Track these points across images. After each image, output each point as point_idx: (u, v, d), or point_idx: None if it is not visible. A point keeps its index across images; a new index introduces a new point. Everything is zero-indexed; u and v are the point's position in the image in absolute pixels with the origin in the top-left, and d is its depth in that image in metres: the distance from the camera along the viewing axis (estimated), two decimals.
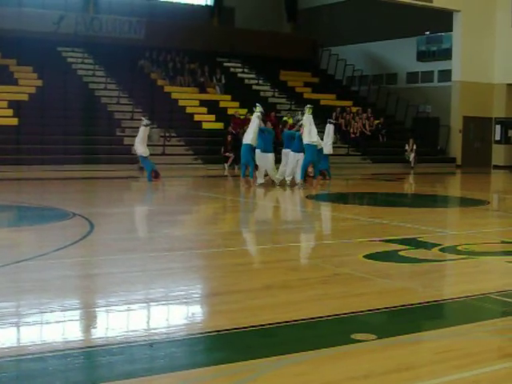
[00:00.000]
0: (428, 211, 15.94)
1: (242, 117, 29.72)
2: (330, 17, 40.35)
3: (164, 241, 10.59)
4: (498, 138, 34.93)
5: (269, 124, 21.15)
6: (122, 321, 6.22)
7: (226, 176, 25.01)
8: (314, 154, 19.25)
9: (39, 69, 29.87)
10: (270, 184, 19.91)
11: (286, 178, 19.61)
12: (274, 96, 35.12)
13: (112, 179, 21.42)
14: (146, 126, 20.90)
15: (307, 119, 19.66)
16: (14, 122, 26.26)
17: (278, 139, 25.18)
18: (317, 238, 11.46)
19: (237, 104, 31.87)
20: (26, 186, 20.19)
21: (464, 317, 6.53)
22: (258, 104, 20.31)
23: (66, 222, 12.42)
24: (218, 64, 35.50)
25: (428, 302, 6.84)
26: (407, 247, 9.98)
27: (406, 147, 31.71)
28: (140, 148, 20.74)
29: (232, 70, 36.73)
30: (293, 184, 19.42)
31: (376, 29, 37.94)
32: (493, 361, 5.18)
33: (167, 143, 27.60)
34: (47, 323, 6.03)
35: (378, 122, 33.77)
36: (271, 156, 19.77)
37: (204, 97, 32.37)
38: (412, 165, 31.09)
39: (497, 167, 33.82)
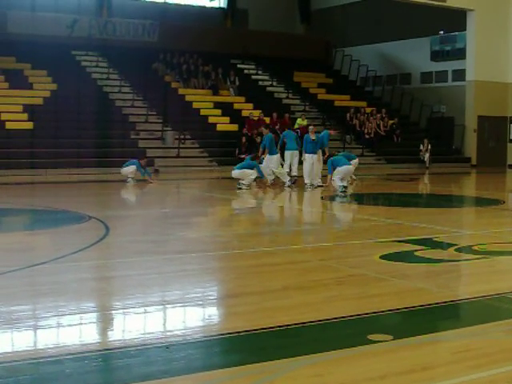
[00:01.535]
0: (443, 211, 15.89)
1: (255, 118, 29.75)
2: (343, 17, 40.32)
3: (179, 243, 10.62)
4: None
5: (265, 131, 21.56)
6: (139, 323, 6.24)
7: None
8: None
9: (53, 73, 29.99)
10: (282, 184, 19.93)
11: (305, 181, 19.72)
12: (287, 97, 35.12)
13: (127, 182, 21.44)
14: None
15: None
16: (29, 125, 26.39)
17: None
18: (332, 239, 11.45)
19: (251, 106, 31.89)
20: (41, 190, 20.27)
21: (480, 317, 6.51)
22: None
23: (81, 225, 12.47)
24: (231, 66, 35.53)
25: (444, 302, 6.83)
26: (423, 247, 9.96)
27: (421, 147, 31.63)
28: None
29: (246, 71, 36.75)
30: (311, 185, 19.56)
31: (389, 29, 37.86)
32: (510, 361, 5.16)
33: (182, 145, 27.65)
34: (64, 326, 6.06)
35: (392, 122, 33.69)
36: (275, 157, 20.52)
37: (218, 99, 32.39)
38: (427, 165, 31.00)
39: None
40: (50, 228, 12.45)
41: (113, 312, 6.63)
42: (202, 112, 30.89)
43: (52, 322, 6.12)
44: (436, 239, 10.80)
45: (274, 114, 30.07)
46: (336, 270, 8.41)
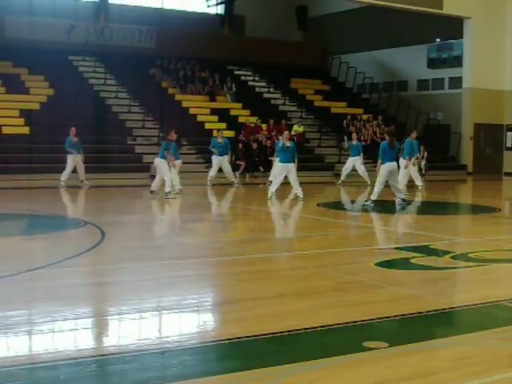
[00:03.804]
0: (439, 218, 15.90)
1: (252, 125, 29.77)
2: (340, 24, 40.35)
3: (175, 249, 10.61)
4: (509, 144, 34.79)
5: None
6: (134, 329, 6.23)
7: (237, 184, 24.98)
8: None
9: (50, 78, 29.99)
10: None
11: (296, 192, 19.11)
12: (284, 104, 35.14)
13: (123, 187, 21.45)
14: None
15: None
16: (26, 130, 26.38)
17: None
18: (328, 246, 11.44)
19: (248, 112, 31.91)
20: (38, 195, 20.24)
21: (476, 324, 6.51)
22: None
23: (77, 230, 12.47)
24: (228, 72, 35.55)
25: (440, 310, 6.83)
26: (419, 255, 9.96)
27: (417, 154, 31.61)
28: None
29: (243, 78, 36.78)
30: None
31: (386, 36, 37.91)
32: (506, 368, 5.16)
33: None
34: (60, 331, 6.05)
35: (388, 129, 33.67)
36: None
37: (215, 105, 32.41)
38: (423, 172, 30.90)
39: (508, 174, 33.68)
40: (46, 233, 12.43)
41: (108, 318, 6.62)
42: (199, 118, 30.90)
43: (47, 328, 6.11)
44: (432, 246, 10.80)
45: (271, 121, 30.15)
46: (332, 277, 8.41)
